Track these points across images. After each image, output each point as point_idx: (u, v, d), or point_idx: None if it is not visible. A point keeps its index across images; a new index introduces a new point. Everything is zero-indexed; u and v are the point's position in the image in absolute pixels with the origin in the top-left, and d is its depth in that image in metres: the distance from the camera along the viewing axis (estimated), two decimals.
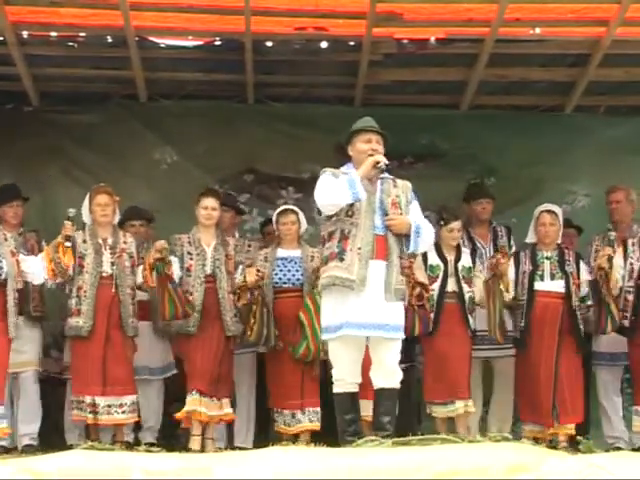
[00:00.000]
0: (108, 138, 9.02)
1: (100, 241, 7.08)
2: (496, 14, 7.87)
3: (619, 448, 7.21)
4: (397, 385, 6.00)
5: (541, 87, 9.14)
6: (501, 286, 7.13)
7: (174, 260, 7.00)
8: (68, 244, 6.84)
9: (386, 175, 6.12)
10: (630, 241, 7.37)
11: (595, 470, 4.56)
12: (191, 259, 7.08)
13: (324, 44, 8.47)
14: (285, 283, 7.19)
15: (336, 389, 6.03)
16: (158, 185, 8.88)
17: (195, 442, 6.88)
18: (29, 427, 7.17)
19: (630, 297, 7.24)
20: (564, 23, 8.16)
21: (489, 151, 9.14)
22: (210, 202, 7.18)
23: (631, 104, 9.31)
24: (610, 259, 7.04)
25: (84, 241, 7.05)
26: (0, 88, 8.94)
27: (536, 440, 6.86)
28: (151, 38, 8.42)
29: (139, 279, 7.06)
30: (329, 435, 6.77)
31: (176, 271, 6.99)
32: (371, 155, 6.00)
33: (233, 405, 7.25)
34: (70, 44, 8.42)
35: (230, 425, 7.47)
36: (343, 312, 5.87)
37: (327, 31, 8.29)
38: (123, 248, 7.11)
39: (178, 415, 6.97)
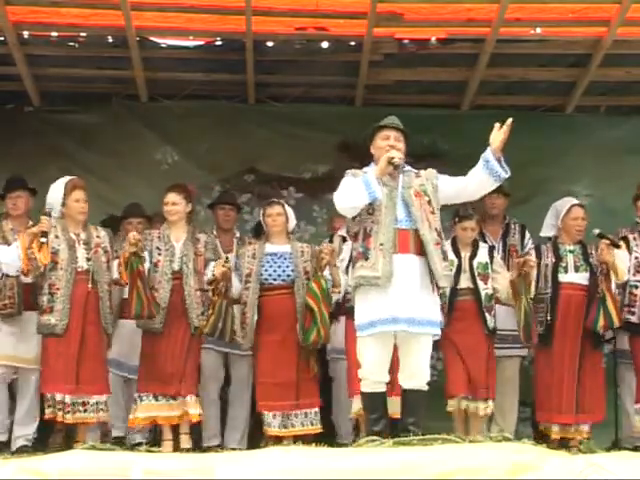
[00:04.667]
0: (109, 138, 9.03)
1: (73, 236, 6.82)
2: (497, 14, 7.87)
3: (638, 448, 7.00)
4: (423, 386, 5.93)
5: (542, 87, 9.14)
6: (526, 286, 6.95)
7: (145, 255, 6.86)
8: (44, 239, 6.59)
9: (409, 168, 6.08)
10: (631, 236, 7.35)
11: (596, 470, 4.56)
12: (159, 254, 6.93)
13: (325, 44, 8.48)
14: (275, 280, 7.01)
15: (363, 388, 5.99)
16: (159, 185, 8.80)
17: (167, 446, 6.76)
18: (26, 429, 6.96)
19: (636, 291, 7.19)
20: (565, 23, 8.16)
21: None
22: (170, 197, 7.04)
23: (632, 104, 9.32)
24: (613, 245, 6.96)
25: (56, 236, 6.76)
26: (1, 88, 8.95)
27: (548, 438, 6.89)
28: (152, 38, 8.44)
29: (115, 274, 6.85)
30: (328, 435, 6.79)
31: (146, 266, 6.85)
32: (388, 152, 5.95)
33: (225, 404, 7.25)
34: (71, 44, 8.44)
35: (222, 426, 7.46)
36: (374, 310, 5.82)
37: (328, 31, 8.29)
38: (98, 243, 6.88)
39: (133, 422, 6.88)
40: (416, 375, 5.90)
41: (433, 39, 8.43)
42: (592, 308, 7.02)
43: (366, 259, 5.83)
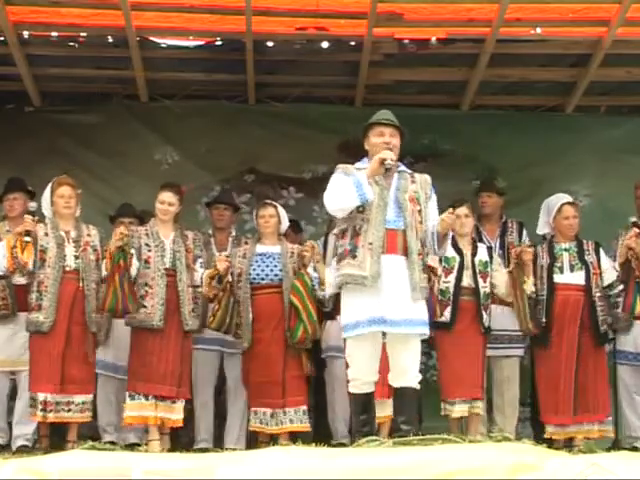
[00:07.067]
0: (109, 138, 9.03)
1: (62, 234, 6.85)
2: (497, 14, 7.87)
3: (636, 448, 7.07)
4: (414, 385, 5.85)
5: (542, 87, 9.14)
6: (525, 277, 6.98)
7: (133, 252, 6.86)
8: (27, 239, 6.63)
9: (404, 169, 6.03)
10: None
11: (596, 470, 4.56)
12: (149, 251, 6.94)
13: (325, 44, 8.47)
14: (263, 279, 7.09)
15: (351, 389, 5.95)
16: (159, 185, 8.85)
17: (155, 446, 6.76)
18: (25, 428, 6.96)
19: None
20: (565, 23, 8.15)
21: (490, 151, 9.13)
22: (167, 197, 7.07)
23: (632, 104, 9.32)
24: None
25: (45, 234, 6.80)
26: (1, 88, 8.95)
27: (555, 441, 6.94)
28: (152, 38, 8.43)
29: (104, 272, 6.85)
30: (322, 435, 6.77)
31: (134, 262, 6.85)
32: (386, 149, 5.88)
33: (223, 405, 7.22)
34: (71, 44, 8.43)
35: (220, 426, 7.43)
36: (360, 310, 5.78)
37: (328, 31, 8.29)
38: (87, 241, 6.89)
39: (127, 420, 6.86)
40: (405, 374, 5.84)
41: (433, 39, 8.42)
42: (628, 293, 7.02)
43: (354, 257, 5.80)
